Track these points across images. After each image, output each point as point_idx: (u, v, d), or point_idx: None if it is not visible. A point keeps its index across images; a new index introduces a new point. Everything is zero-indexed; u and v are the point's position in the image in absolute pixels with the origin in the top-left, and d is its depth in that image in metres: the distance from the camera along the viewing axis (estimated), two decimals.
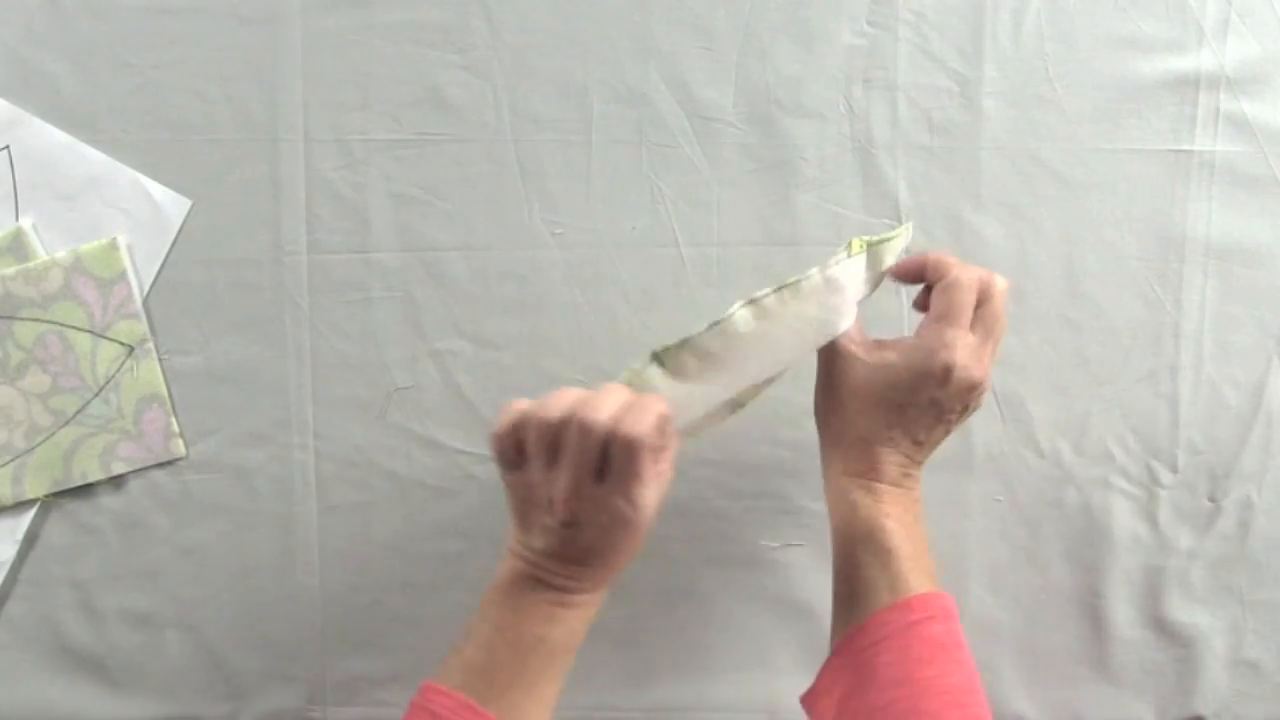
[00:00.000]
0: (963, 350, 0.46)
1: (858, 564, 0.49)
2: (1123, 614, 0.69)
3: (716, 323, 0.46)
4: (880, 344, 0.50)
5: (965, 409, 0.49)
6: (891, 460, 0.49)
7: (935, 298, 0.48)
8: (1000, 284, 0.47)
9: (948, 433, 0.51)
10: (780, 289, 0.46)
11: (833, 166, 0.66)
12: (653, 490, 0.44)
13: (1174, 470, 0.68)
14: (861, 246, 0.49)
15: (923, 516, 0.51)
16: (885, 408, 0.48)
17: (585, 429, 0.42)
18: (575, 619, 0.47)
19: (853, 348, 0.49)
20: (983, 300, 0.47)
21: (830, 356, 0.50)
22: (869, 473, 0.49)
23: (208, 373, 0.67)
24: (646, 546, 0.68)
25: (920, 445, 0.50)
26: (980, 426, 0.68)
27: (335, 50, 0.65)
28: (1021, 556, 0.69)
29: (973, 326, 0.47)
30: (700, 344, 0.46)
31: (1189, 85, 0.66)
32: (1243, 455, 0.68)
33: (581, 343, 0.67)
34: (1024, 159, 0.66)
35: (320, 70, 0.65)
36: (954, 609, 0.48)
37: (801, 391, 0.68)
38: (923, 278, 0.49)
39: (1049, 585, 0.69)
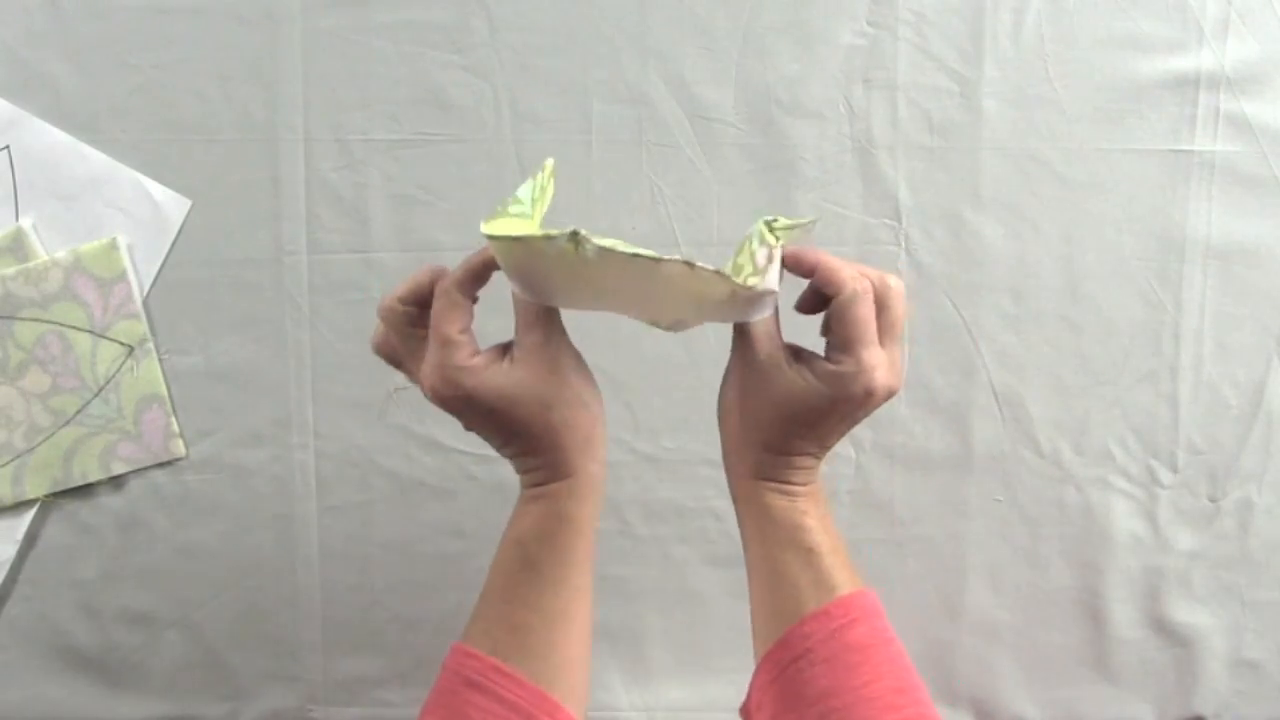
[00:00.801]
0: (881, 370, 0.45)
1: (779, 568, 0.48)
2: (1123, 614, 0.69)
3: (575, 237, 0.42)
4: (799, 355, 0.48)
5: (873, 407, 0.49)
6: (803, 464, 0.48)
7: (838, 317, 0.46)
8: (895, 285, 0.46)
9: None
10: (636, 256, 0.41)
11: (833, 166, 0.66)
12: (461, 352, 0.45)
13: (1174, 470, 0.68)
14: (773, 236, 0.47)
15: (830, 514, 0.50)
16: (802, 422, 0.47)
17: (382, 309, 0.46)
18: (540, 511, 0.47)
19: (775, 357, 0.47)
20: (881, 306, 0.46)
21: (750, 360, 0.47)
22: (782, 476, 0.49)
23: (208, 373, 0.67)
24: (646, 546, 0.69)
25: (829, 447, 0.49)
26: (980, 426, 0.68)
27: (335, 50, 0.65)
28: (1021, 556, 0.69)
29: (880, 338, 0.46)
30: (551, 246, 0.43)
31: (1189, 85, 0.66)
32: (1243, 455, 0.68)
33: (581, 342, 0.67)
34: (1024, 159, 0.66)
35: (320, 70, 0.65)
36: (877, 605, 0.48)
37: None
38: (811, 275, 0.47)
39: (1049, 585, 0.69)
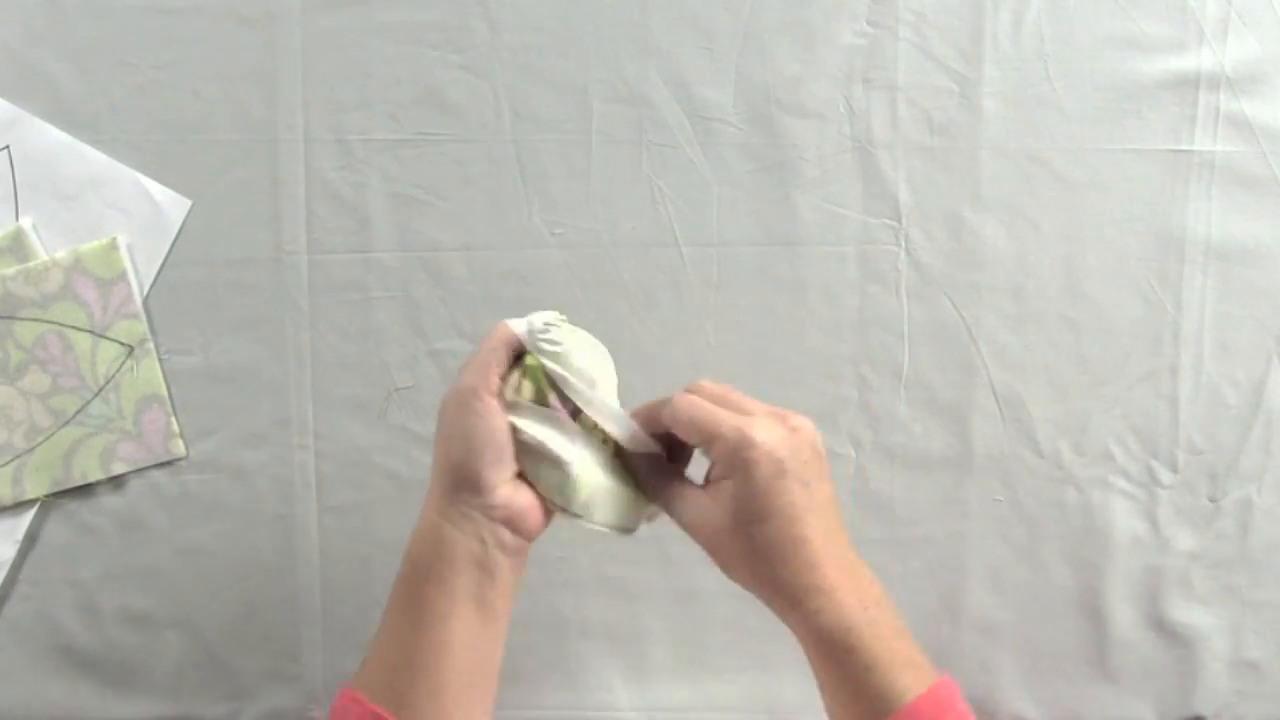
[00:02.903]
0: (758, 431, 0.43)
1: (837, 691, 0.44)
2: (1123, 614, 0.69)
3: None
4: (706, 489, 0.46)
5: (807, 460, 0.45)
6: (810, 560, 0.43)
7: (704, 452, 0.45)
8: (759, 439, 0.43)
9: (815, 484, 0.45)
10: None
11: (833, 166, 0.66)
12: (458, 432, 0.46)
13: (1174, 470, 0.68)
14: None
15: (878, 590, 0.45)
16: (744, 528, 0.44)
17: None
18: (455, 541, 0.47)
19: (696, 504, 0.46)
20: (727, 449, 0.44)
21: (689, 523, 0.46)
22: (800, 576, 0.43)
23: (208, 373, 0.67)
24: (646, 547, 0.69)
25: (810, 508, 0.44)
26: (980, 426, 0.68)
27: (335, 50, 0.65)
28: (1021, 556, 0.69)
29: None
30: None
31: (1189, 85, 0.66)
32: (1243, 455, 0.68)
33: None
34: (1024, 159, 0.66)
35: (320, 70, 0.65)
36: (950, 697, 0.43)
37: (802, 391, 0.68)
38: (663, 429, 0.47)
39: (1049, 585, 0.69)
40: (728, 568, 0.46)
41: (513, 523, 0.46)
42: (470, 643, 0.45)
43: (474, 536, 0.46)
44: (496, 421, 0.46)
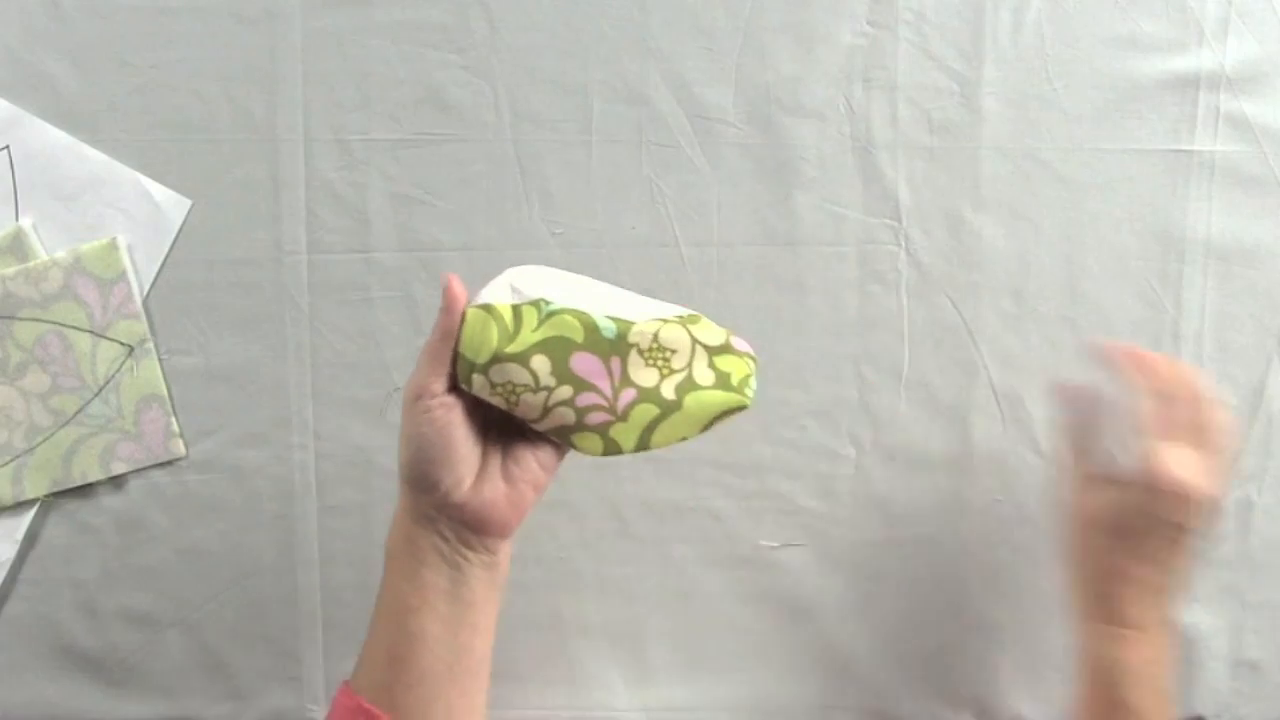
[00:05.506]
0: (1187, 467, 0.43)
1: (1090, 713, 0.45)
2: None
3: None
4: (1109, 477, 0.46)
5: (1197, 528, 0.45)
6: (1132, 599, 0.45)
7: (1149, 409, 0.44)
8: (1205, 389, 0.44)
9: (1188, 561, 0.46)
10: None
11: (833, 166, 0.66)
12: (407, 435, 0.45)
13: None
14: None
15: (1169, 663, 0.46)
16: (1120, 537, 0.44)
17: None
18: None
19: (1088, 477, 0.46)
20: (1191, 408, 0.44)
21: (1071, 485, 0.46)
22: (1109, 615, 0.46)
23: (208, 373, 0.67)
24: (646, 547, 0.69)
25: (1164, 580, 0.45)
26: (980, 426, 0.68)
27: (335, 50, 0.65)
28: (1021, 556, 0.69)
29: (1189, 439, 0.44)
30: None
31: (1189, 85, 0.66)
32: (1242, 455, 0.68)
33: None
34: (1024, 159, 0.66)
35: (320, 70, 0.65)
36: None
37: (802, 391, 0.68)
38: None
39: (1049, 585, 0.69)
40: (1084, 521, 0.46)
41: (476, 522, 0.45)
42: (444, 636, 0.45)
43: (437, 534, 0.45)
44: (444, 420, 0.45)
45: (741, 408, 0.46)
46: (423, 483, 0.45)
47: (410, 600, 0.45)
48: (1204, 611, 0.69)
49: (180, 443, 0.67)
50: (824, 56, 0.66)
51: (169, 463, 0.67)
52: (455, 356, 0.45)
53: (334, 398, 0.67)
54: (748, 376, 0.46)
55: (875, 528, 0.69)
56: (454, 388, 0.46)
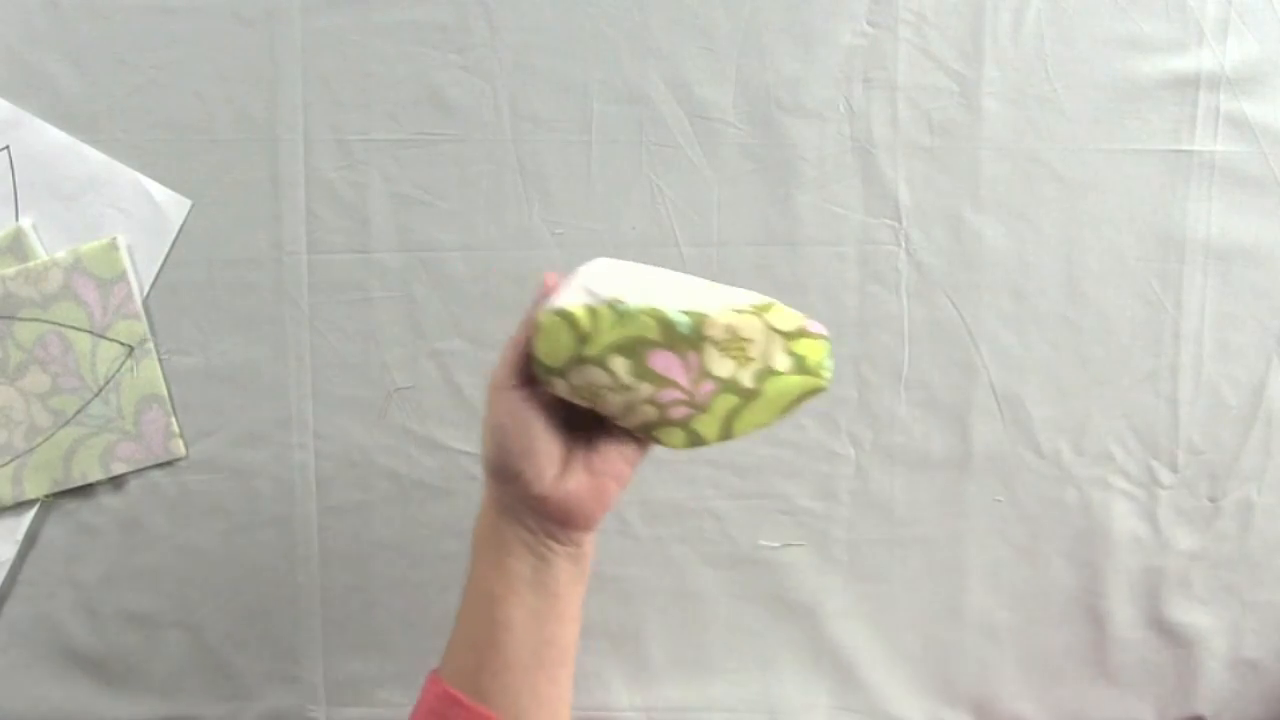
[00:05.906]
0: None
1: None
2: (1123, 614, 0.69)
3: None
4: None
5: None
6: None
7: None
8: None
9: None
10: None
11: (833, 166, 0.66)
12: (489, 426, 0.45)
13: (1174, 470, 0.68)
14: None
15: None
16: None
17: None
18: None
19: None
20: None
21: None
22: None
23: (208, 373, 0.67)
24: (646, 547, 0.69)
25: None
26: (980, 426, 0.68)
27: (335, 50, 0.65)
28: (1021, 556, 0.69)
29: None
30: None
31: (1189, 85, 0.66)
32: (1243, 455, 0.68)
33: None
34: (1024, 159, 0.66)
35: (320, 70, 0.65)
36: None
37: None
38: None
39: (1049, 585, 0.69)
40: None
41: (559, 515, 0.45)
42: (530, 625, 0.45)
43: (521, 525, 0.46)
44: (521, 415, 0.45)
45: (820, 390, 0.46)
46: (504, 473, 0.45)
47: (496, 589, 0.46)
48: (1204, 611, 0.69)
49: (180, 443, 0.67)
50: (824, 56, 0.66)
51: (169, 463, 0.67)
52: (533, 359, 0.45)
53: (334, 398, 0.67)
54: (823, 358, 0.46)
55: (875, 528, 0.69)
56: (535, 380, 0.46)
